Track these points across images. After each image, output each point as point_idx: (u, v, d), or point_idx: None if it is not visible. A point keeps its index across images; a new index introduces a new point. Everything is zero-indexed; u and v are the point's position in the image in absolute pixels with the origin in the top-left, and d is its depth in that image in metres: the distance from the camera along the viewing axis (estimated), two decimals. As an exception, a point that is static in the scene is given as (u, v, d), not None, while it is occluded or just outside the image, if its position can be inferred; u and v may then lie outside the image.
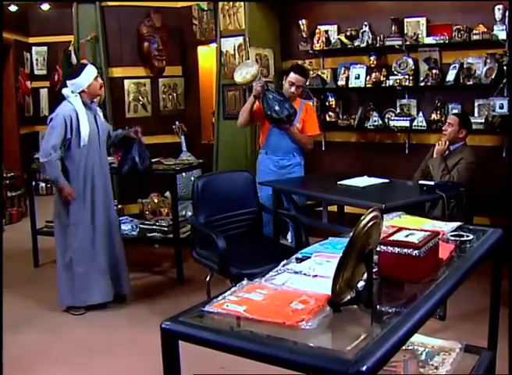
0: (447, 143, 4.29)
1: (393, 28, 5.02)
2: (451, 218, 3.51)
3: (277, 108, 4.30)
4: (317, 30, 5.48)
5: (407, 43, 4.96)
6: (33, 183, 7.36)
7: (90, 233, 3.94)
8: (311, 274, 1.80)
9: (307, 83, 5.54)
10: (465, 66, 4.71)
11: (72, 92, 3.85)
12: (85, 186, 3.91)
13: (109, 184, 4.11)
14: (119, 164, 4.39)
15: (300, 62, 5.71)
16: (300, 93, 4.58)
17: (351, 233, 1.51)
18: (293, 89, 4.48)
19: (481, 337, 2.45)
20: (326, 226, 4.00)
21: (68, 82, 3.90)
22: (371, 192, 3.84)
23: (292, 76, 4.50)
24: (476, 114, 4.76)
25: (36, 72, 8.87)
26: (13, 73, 8.11)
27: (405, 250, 1.77)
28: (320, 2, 5.56)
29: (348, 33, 5.30)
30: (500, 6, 4.46)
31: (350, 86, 5.36)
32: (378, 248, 1.77)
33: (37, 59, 8.85)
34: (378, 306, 1.62)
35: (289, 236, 5.23)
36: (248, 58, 5.43)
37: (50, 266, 5.01)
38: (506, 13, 4.42)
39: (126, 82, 5.94)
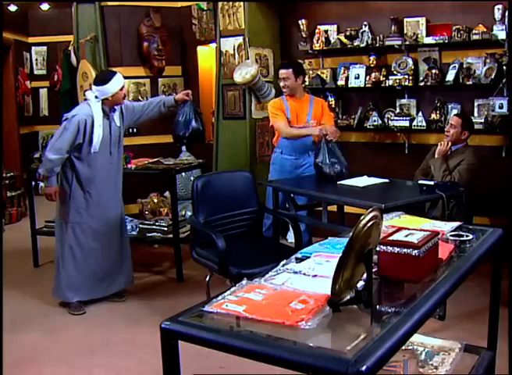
0: (449, 144, 4.29)
1: (393, 28, 5.02)
2: (451, 218, 3.52)
3: (329, 163, 4.23)
4: (316, 30, 5.48)
5: (407, 43, 4.95)
6: (33, 183, 7.34)
7: (88, 234, 3.96)
8: (310, 274, 1.80)
9: (306, 82, 5.56)
10: (465, 65, 4.71)
11: (95, 97, 3.82)
12: (91, 189, 3.92)
13: (119, 189, 4.10)
14: (175, 130, 4.34)
15: (299, 61, 5.72)
16: (290, 84, 4.58)
17: (351, 233, 1.51)
18: (281, 83, 4.63)
19: (480, 336, 2.45)
20: (326, 226, 4.00)
21: (94, 87, 3.85)
22: (371, 192, 3.84)
23: (279, 72, 4.66)
24: (476, 114, 4.76)
25: (36, 72, 8.86)
26: (13, 72, 8.11)
27: (405, 250, 1.77)
28: (320, 2, 5.56)
29: (348, 33, 5.30)
30: (500, 6, 4.45)
31: (349, 86, 5.36)
32: (377, 248, 1.77)
33: (36, 59, 8.85)
34: (377, 306, 1.62)
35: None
36: (248, 58, 5.43)
37: (50, 266, 5.00)
38: (506, 13, 4.42)
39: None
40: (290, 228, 4.46)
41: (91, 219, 3.95)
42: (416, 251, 1.76)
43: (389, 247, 1.79)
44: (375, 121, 5.25)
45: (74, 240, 3.95)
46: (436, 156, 4.29)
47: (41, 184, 8.41)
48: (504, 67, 4.49)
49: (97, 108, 3.81)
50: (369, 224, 1.54)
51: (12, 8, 7.64)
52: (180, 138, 4.39)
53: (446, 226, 2.28)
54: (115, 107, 3.97)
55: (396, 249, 1.78)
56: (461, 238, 2.17)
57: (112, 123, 3.95)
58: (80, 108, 3.86)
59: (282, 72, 4.61)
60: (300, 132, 4.58)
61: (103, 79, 3.88)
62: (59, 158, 3.78)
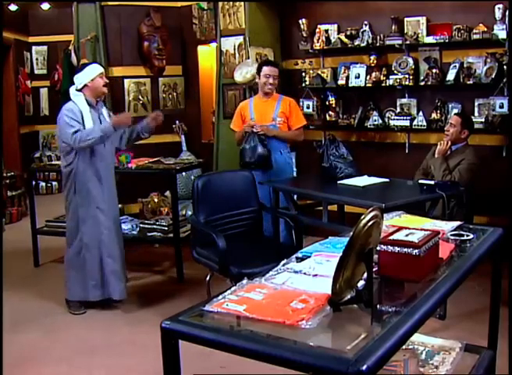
0: (449, 143, 4.29)
1: (393, 27, 5.01)
2: (451, 217, 3.52)
3: (339, 165, 4.23)
4: (317, 30, 5.47)
5: (407, 42, 4.95)
6: (34, 182, 7.36)
7: (95, 230, 3.92)
8: (311, 273, 1.80)
9: (307, 81, 5.57)
10: (465, 65, 4.71)
11: (76, 90, 3.87)
12: (90, 184, 3.89)
13: (113, 185, 4.07)
14: (242, 157, 4.51)
15: (299, 61, 5.73)
16: (276, 84, 4.61)
17: (351, 233, 1.51)
18: (270, 80, 4.57)
19: (481, 336, 2.45)
20: (326, 226, 4.00)
21: (74, 78, 3.94)
22: (372, 191, 3.84)
23: (266, 69, 4.59)
24: (476, 113, 4.76)
25: (36, 71, 8.87)
26: (13, 72, 8.12)
27: (405, 249, 1.77)
28: (320, 2, 5.55)
29: (348, 33, 5.29)
30: (500, 5, 4.45)
31: (350, 85, 5.35)
32: (378, 248, 1.77)
33: (37, 59, 8.86)
34: (378, 306, 1.62)
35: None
36: (248, 58, 5.43)
37: (50, 266, 5.02)
38: (507, 13, 4.41)
39: (126, 81, 5.94)
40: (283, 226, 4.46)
41: (97, 212, 3.92)
42: (416, 250, 1.76)
43: (389, 246, 1.79)
44: (375, 121, 5.25)
45: (86, 234, 3.92)
46: (436, 156, 4.29)
47: (42, 184, 8.45)
48: (505, 67, 4.49)
49: (81, 100, 3.85)
50: (369, 224, 1.54)
51: (13, 7, 7.65)
52: (248, 164, 4.45)
53: (447, 226, 2.28)
54: (99, 100, 3.98)
55: (397, 249, 1.78)
56: (462, 238, 2.16)
57: (101, 116, 3.96)
58: (66, 106, 3.88)
59: (272, 69, 4.59)
60: (238, 134, 4.69)
61: (80, 68, 4.02)
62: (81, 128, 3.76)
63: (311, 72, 5.58)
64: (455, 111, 4.80)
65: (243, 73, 5.32)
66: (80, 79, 3.88)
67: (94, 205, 3.91)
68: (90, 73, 3.88)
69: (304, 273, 1.81)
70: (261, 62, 4.99)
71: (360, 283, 1.62)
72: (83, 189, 3.89)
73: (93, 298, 3.98)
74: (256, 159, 4.40)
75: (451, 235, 2.19)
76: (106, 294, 3.99)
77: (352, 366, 1.24)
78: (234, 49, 5.57)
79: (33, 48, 8.78)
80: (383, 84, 5.15)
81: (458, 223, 2.35)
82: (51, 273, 4.74)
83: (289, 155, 4.73)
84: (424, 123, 4.98)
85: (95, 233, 3.93)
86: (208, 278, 3.73)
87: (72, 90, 3.92)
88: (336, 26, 5.51)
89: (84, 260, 3.95)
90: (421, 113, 5.03)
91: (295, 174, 5.07)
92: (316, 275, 1.79)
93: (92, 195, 3.90)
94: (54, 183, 8.44)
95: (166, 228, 4.86)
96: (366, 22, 5.18)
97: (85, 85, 3.87)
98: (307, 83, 5.58)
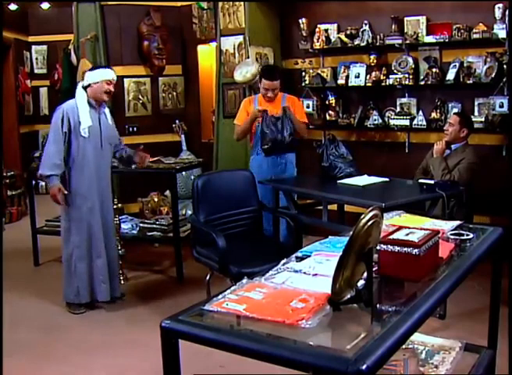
0: (443, 142, 4.29)
1: (393, 27, 5.02)
2: (451, 217, 3.52)
3: (339, 165, 4.23)
4: (317, 29, 5.47)
5: (407, 42, 4.95)
6: (34, 182, 7.34)
7: (87, 231, 3.92)
8: (310, 273, 1.80)
9: (307, 81, 5.57)
10: (465, 64, 4.71)
11: (83, 87, 3.89)
12: (85, 183, 3.89)
13: (108, 186, 4.06)
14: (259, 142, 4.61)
15: (299, 61, 5.73)
16: (277, 93, 4.58)
17: (351, 232, 1.51)
18: (269, 94, 4.55)
19: (481, 335, 2.45)
20: (326, 225, 4.00)
21: (85, 74, 3.99)
22: (371, 191, 3.84)
23: (266, 82, 4.53)
24: (476, 113, 4.76)
25: (36, 71, 8.87)
26: (13, 71, 8.12)
27: (405, 249, 1.77)
28: (320, 1, 5.55)
29: (348, 32, 5.29)
30: (500, 5, 4.45)
31: (350, 85, 5.35)
32: (378, 247, 1.77)
33: (36, 58, 8.86)
34: (378, 305, 1.62)
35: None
36: (248, 57, 5.43)
37: (50, 265, 5.02)
38: (507, 12, 4.41)
39: (126, 81, 5.93)
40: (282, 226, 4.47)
41: (91, 213, 3.92)
42: (416, 250, 1.76)
43: (389, 246, 1.79)
44: (375, 120, 5.25)
45: (79, 236, 3.91)
46: (434, 156, 4.29)
47: (41, 183, 8.44)
48: (504, 66, 4.49)
49: (82, 97, 3.86)
50: (369, 223, 1.54)
51: (13, 7, 7.65)
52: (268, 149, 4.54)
53: (447, 225, 2.28)
54: (103, 104, 3.98)
55: (397, 248, 1.78)
56: (461, 237, 2.16)
57: (102, 116, 3.97)
58: (66, 102, 3.91)
59: (271, 84, 4.50)
60: (244, 124, 4.65)
61: (94, 66, 4.08)
62: (58, 172, 3.80)
63: (311, 71, 5.58)
64: (455, 110, 4.80)
65: (243, 72, 5.32)
66: (88, 77, 3.91)
67: (85, 207, 3.90)
68: (98, 76, 3.88)
69: (304, 273, 1.81)
70: (262, 68, 4.87)
71: (360, 283, 1.62)
72: (76, 189, 3.89)
73: (83, 300, 3.97)
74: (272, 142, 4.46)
75: (451, 234, 2.19)
76: (93, 297, 3.99)
77: (352, 366, 1.24)
78: (234, 49, 5.57)
79: (33, 47, 8.78)
80: (383, 84, 5.15)
81: (458, 222, 2.35)
82: (51, 272, 4.74)
83: (293, 154, 4.71)
84: (424, 123, 4.98)
85: (85, 235, 3.92)
86: (207, 277, 3.73)
87: (79, 86, 3.94)
88: (335, 25, 5.51)
89: (75, 262, 3.93)
90: (420, 113, 5.03)
91: (295, 174, 5.07)
92: (316, 274, 1.79)
93: (84, 196, 3.90)
94: (54, 182, 8.44)
95: (166, 227, 4.86)
96: (366, 21, 5.18)
97: (89, 85, 3.88)
98: (307, 82, 5.58)
